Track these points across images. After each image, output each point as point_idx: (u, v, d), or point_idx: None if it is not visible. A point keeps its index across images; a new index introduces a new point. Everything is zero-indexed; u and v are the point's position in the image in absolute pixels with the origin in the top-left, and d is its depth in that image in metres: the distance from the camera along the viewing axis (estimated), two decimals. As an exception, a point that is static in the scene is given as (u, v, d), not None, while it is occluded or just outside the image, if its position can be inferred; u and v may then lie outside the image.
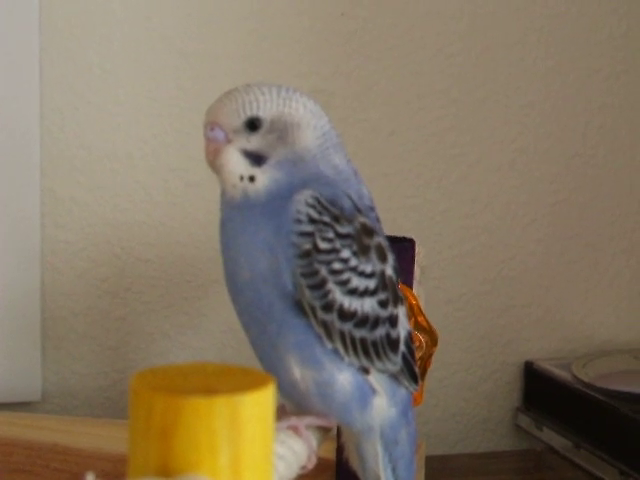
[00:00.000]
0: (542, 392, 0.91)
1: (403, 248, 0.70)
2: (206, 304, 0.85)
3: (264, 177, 0.50)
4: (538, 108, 0.92)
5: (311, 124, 0.51)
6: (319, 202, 0.49)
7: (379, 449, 0.53)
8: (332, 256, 0.49)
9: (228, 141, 0.50)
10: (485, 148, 0.91)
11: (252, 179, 0.50)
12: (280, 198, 0.50)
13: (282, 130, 0.51)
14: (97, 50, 0.82)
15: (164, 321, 0.85)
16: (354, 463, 0.55)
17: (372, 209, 0.53)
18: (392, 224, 0.86)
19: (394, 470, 0.54)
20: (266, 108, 0.50)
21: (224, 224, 0.51)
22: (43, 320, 0.83)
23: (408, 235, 0.72)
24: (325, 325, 0.49)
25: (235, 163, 0.50)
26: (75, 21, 0.82)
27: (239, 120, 0.50)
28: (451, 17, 0.89)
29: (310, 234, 0.49)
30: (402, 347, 0.52)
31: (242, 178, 0.50)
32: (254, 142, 0.50)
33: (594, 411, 0.84)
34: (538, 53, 0.91)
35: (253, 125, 0.50)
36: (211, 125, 0.51)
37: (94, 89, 0.83)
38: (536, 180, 0.93)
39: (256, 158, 0.50)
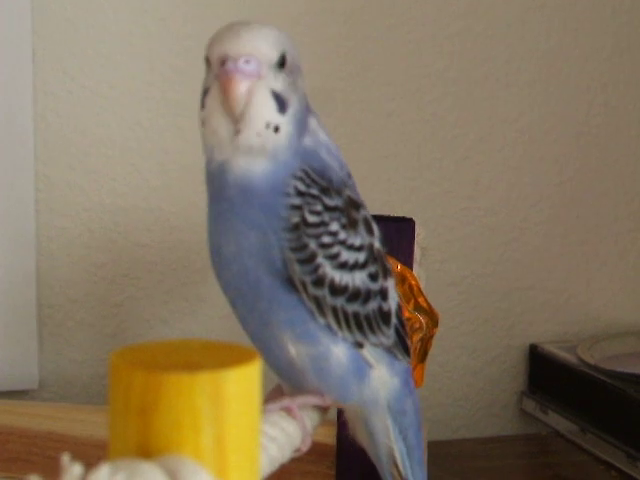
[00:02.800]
0: (547, 375, 0.90)
1: (402, 228, 0.69)
2: (204, 289, 0.84)
3: (286, 129, 0.46)
4: (540, 87, 0.91)
5: (303, 72, 0.48)
6: (307, 174, 0.48)
7: (389, 422, 0.52)
8: (321, 229, 0.48)
9: (258, 76, 0.45)
10: (486, 128, 0.90)
11: (277, 129, 0.46)
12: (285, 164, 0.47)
13: (295, 72, 0.47)
14: (91, 33, 0.81)
15: (162, 307, 0.84)
16: (362, 440, 0.54)
17: (349, 176, 0.51)
18: (393, 206, 0.85)
19: (405, 440, 0.53)
20: (288, 44, 0.47)
21: (212, 195, 0.49)
22: (39, 307, 0.82)
23: (409, 217, 0.70)
24: (317, 301, 0.48)
25: (266, 105, 0.46)
26: (68, 4, 0.81)
27: (276, 54, 0.46)
28: (451, -5, 0.88)
29: (298, 207, 0.47)
30: (394, 320, 0.52)
31: (268, 126, 0.46)
32: (281, 82, 0.46)
33: (600, 394, 0.83)
34: (540, 31, 0.90)
35: (283, 62, 0.46)
36: (247, 56, 0.45)
37: (88, 73, 0.81)
38: (539, 160, 0.91)
39: (282, 103, 0.46)
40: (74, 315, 0.83)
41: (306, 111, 0.48)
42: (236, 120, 0.45)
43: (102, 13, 0.81)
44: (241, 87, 0.45)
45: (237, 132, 0.46)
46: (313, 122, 0.49)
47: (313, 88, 0.52)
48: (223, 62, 0.45)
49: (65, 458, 0.30)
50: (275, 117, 0.46)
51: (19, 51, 0.79)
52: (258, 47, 0.45)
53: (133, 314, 0.84)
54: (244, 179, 0.47)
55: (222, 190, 0.48)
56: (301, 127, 0.47)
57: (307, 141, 0.48)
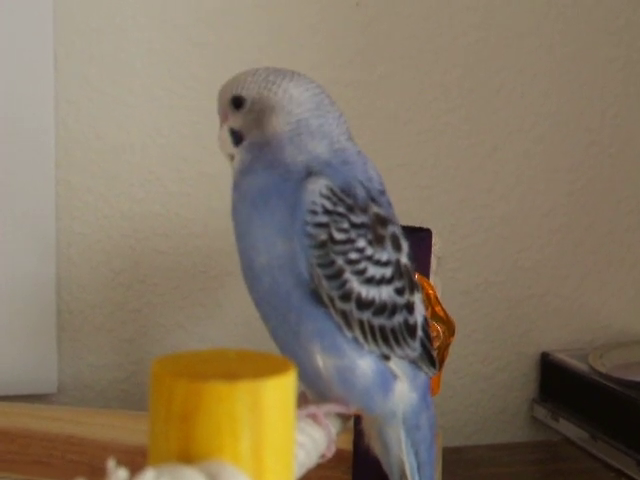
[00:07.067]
0: (558, 383, 0.90)
1: (420, 238, 0.69)
2: (221, 295, 0.85)
3: (237, 157, 0.52)
4: (554, 97, 0.91)
5: (285, 109, 0.51)
6: (333, 192, 0.49)
7: (402, 434, 0.53)
8: (348, 246, 0.49)
9: (226, 119, 0.53)
10: (501, 138, 0.91)
11: (232, 158, 0.53)
12: (273, 179, 0.50)
13: (259, 112, 0.52)
14: (111, 41, 0.82)
15: (179, 313, 0.85)
16: (376, 449, 0.55)
17: (383, 192, 0.53)
18: (408, 215, 0.85)
19: (416, 454, 0.54)
20: (249, 88, 0.52)
21: (235, 209, 0.52)
22: (59, 312, 0.82)
23: (424, 226, 0.71)
24: (344, 314, 0.50)
25: (224, 141, 0.53)
26: (89, 12, 0.81)
27: (228, 98, 0.53)
28: (467, 6, 0.88)
29: (325, 225, 0.49)
30: (420, 333, 0.53)
31: (228, 156, 0.53)
32: (237, 120, 0.52)
33: (611, 402, 0.83)
34: (554, 42, 0.91)
35: (237, 103, 0.52)
36: (219, 102, 0.54)
37: (108, 80, 0.82)
38: (552, 170, 0.92)
39: (237, 137, 0.53)
40: (93, 320, 0.83)
41: (287, 136, 0.51)
42: None
43: (123, 21, 0.82)
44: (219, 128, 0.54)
45: None
46: (317, 143, 0.51)
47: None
48: None
49: (111, 463, 0.31)
50: (231, 149, 0.53)
51: (41, 59, 0.80)
52: (221, 94, 0.53)
53: (151, 319, 0.84)
54: (259, 192, 0.51)
55: (243, 201, 0.51)
56: (257, 150, 0.51)
57: (331, 159, 0.51)
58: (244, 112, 0.52)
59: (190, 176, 0.84)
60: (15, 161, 0.80)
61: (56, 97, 0.81)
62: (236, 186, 0.52)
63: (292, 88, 0.52)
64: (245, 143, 0.52)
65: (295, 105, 0.52)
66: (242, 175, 0.52)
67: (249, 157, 0.51)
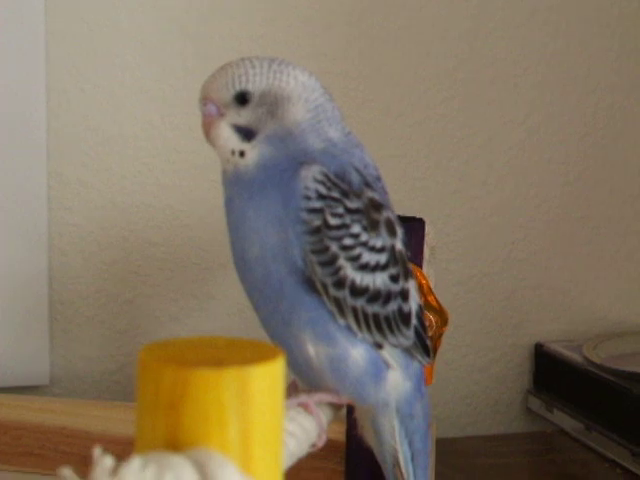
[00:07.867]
0: (552, 374, 0.90)
1: (413, 228, 0.69)
2: (214, 287, 0.85)
3: (253, 153, 0.50)
4: (548, 88, 0.91)
5: (302, 97, 0.51)
6: (327, 177, 0.49)
7: (395, 424, 0.53)
8: (342, 232, 0.49)
9: (221, 115, 0.51)
10: (494, 129, 0.90)
11: (242, 154, 0.50)
12: (273, 171, 0.50)
13: (272, 104, 0.50)
14: (103, 32, 0.82)
15: (172, 304, 0.85)
16: (369, 439, 0.55)
17: (378, 179, 0.52)
18: (401, 206, 0.85)
19: (410, 444, 0.54)
20: (255, 81, 0.50)
21: (230, 201, 0.51)
22: (51, 304, 0.82)
23: (417, 217, 0.71)
24: (337, 302, 0.49)
25: (226, 138, 0.51)
26: (81, 3, 0.81)
27: (229, 94, 0.50)
28: (459, -3, 0.88)
29: (319, 210, 0.49)
30: (414, 321, 0.52)
31: (233, 153, 0.51)
32: (244, 116, 0.51)
33: (605, 393, 0.83)
34: (547, 32, 0.91)
35: (243, 99, 0.50)
36: (204, 100, 0.51)
37: (100, 71, 0.82)
38: (546, 161, 0.92)
39: (246, 133, 0.51)
40: (85, 312, 0.83)
41: (309, 123, 0.51)
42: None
43: (115, 12, 0.82)
44: (205, 126, 0.51)
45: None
46: (334, 129, 0.51)
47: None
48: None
49: (97, 451, 0.31)
50: (239, 145, 0.50)
51: (32, 50, 0.80)
52: (210, 91, 0.51)
53: (143, 311, 0.84)
54: (254, 184, 0.50)
55: (238, 193, 0.51)
56: (279, 142, 0.50)
57: (325, 146, 0.50)
58: (252, 106, 0.50)
59: (182, 168, 0.84)
60: (6, 153, 0.80)
61: (48, 89, 0.81)
62: (238, 179, 0.51)
63: (300, 75, 0.51)
64: (261, 137, 0.50)
65: (309, 91, 0.51)
66: (259, 169, 0.50)
67: (270, 149, 0.50)
